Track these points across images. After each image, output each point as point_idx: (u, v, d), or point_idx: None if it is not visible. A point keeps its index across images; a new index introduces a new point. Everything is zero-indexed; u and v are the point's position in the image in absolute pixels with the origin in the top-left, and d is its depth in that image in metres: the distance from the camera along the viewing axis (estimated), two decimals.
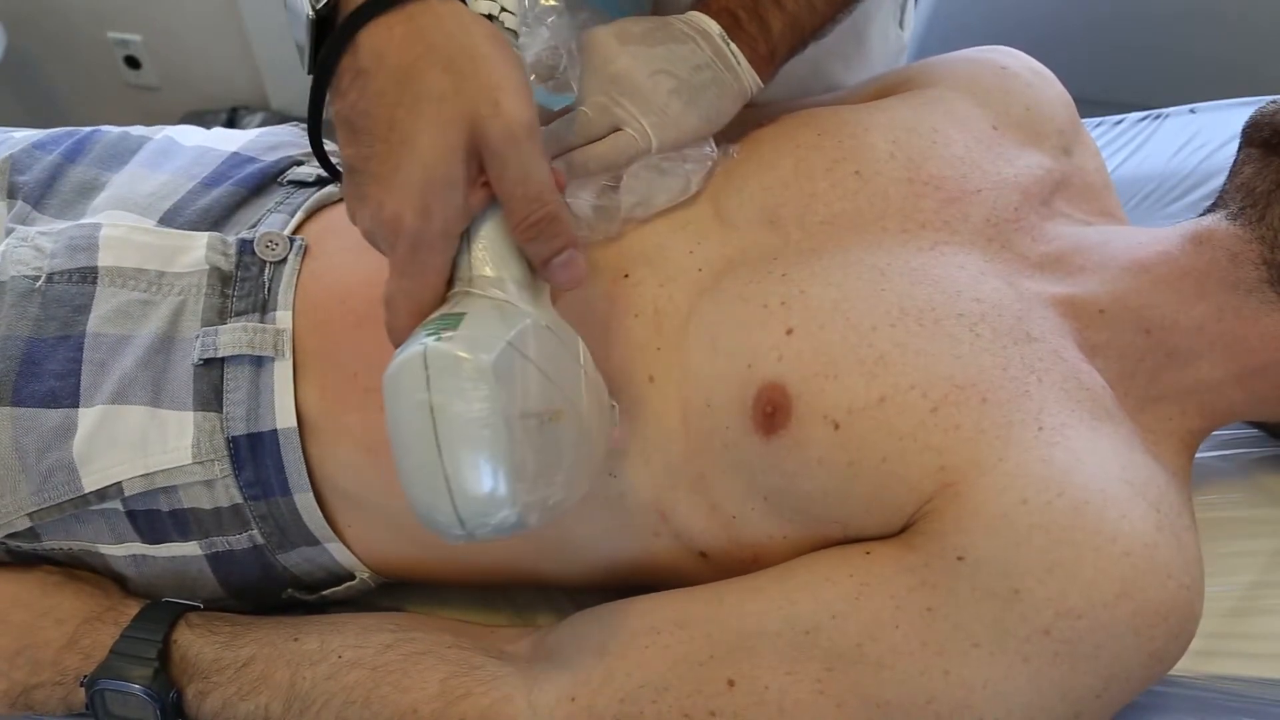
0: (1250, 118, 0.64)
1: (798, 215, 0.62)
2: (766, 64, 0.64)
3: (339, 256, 0.66)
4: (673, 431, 0.59)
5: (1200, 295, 0.60)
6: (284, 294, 0.64)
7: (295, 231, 0.68)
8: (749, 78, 0.63)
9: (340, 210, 0.71)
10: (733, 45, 0.63)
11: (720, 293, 0.60)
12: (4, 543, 0.63)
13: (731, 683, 0.54)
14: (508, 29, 0.55)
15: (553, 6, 0.60)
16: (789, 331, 0.57)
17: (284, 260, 0.65)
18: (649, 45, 0.61)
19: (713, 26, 0.63)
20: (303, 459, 0.62)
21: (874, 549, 0.55)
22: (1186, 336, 0.60)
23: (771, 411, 0.55)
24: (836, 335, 0.56)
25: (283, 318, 0.64)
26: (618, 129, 0.60)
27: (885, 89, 0.73)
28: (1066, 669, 0.50)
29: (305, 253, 0.66)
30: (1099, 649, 0.50)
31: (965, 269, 0.59)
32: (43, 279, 0.63)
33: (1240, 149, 0.65)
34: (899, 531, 0.55)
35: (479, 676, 0.59)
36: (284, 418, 0.62)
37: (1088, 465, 0.52)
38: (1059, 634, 0.50)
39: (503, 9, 0.55)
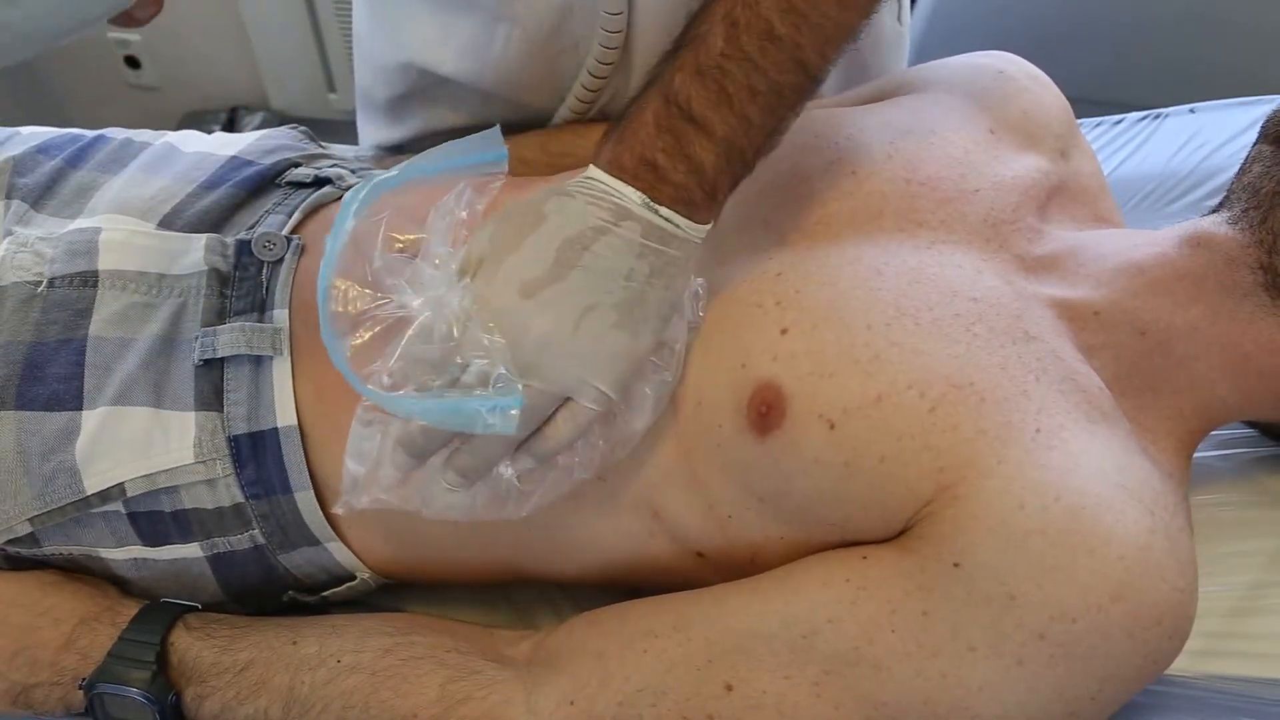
0: (1269, 115, 0.64)
1: (793, 215, 0.62)
2: (707, 208, 0.52)
3: None
4: (664, 429, 0.59)
5: (1195, 298, 0.60)
6: (281, 293, 0.64)
7: (293, 231, 0.68)
8: (693, 234, 0.51)
9: (337, 209, 0.71)
10: (663, 211, 0.50)
11: (714, 292, 0.59)
12: (3, 549, 0.63)
13: (729, 686, 0.55)
14: None
15: (400, 258, 0.51)
16: (783, 331, 0.57)
17: (281, 260, 0.66)
18: (560, 280, 0.49)
19: (631, 197, 0.50)
20: (303, 457, 0.62)
21: (871, 553, 0.55)
22: (1182, 338, 0.60)
23: (766, 411, 0.55)
24: (832, 335, 0.56)
25: (280, 316, 0.64)
26: (566, 398, 0.51)
27: (882, 93, 0.73)
28: (1062, 671, 0.50)
29: (302, 252, 0.66)
30: (1094, 651, 0.50)
31: (962, 268, 0.59)
32: (44, 284, 0.63)
33: (1254, 145, 0.65)
34: (897, 534, 0.55)
35: (478, 681, 0.59)
36: (284, 416, 0.62)
37: (1084, 469, 0.52)
38: (1054, 637, 0.50)
39: None
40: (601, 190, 0.50)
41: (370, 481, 0.54)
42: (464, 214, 0.53)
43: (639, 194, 0.50)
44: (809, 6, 0.50)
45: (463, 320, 0.50)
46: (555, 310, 0.49)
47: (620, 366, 0.51)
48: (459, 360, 0.50)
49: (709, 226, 0.52)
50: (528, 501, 0.54)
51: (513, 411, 0.48)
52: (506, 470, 0.53)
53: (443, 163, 0.54)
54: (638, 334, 0.51)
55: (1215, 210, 0.64)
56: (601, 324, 0.50)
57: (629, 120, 0.52)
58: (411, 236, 0.53)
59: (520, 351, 0.49)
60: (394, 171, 0.53)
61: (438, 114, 0.82)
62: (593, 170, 0.52)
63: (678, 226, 0.51)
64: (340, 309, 0.51)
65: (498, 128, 0.54)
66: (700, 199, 0.51)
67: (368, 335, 0.52)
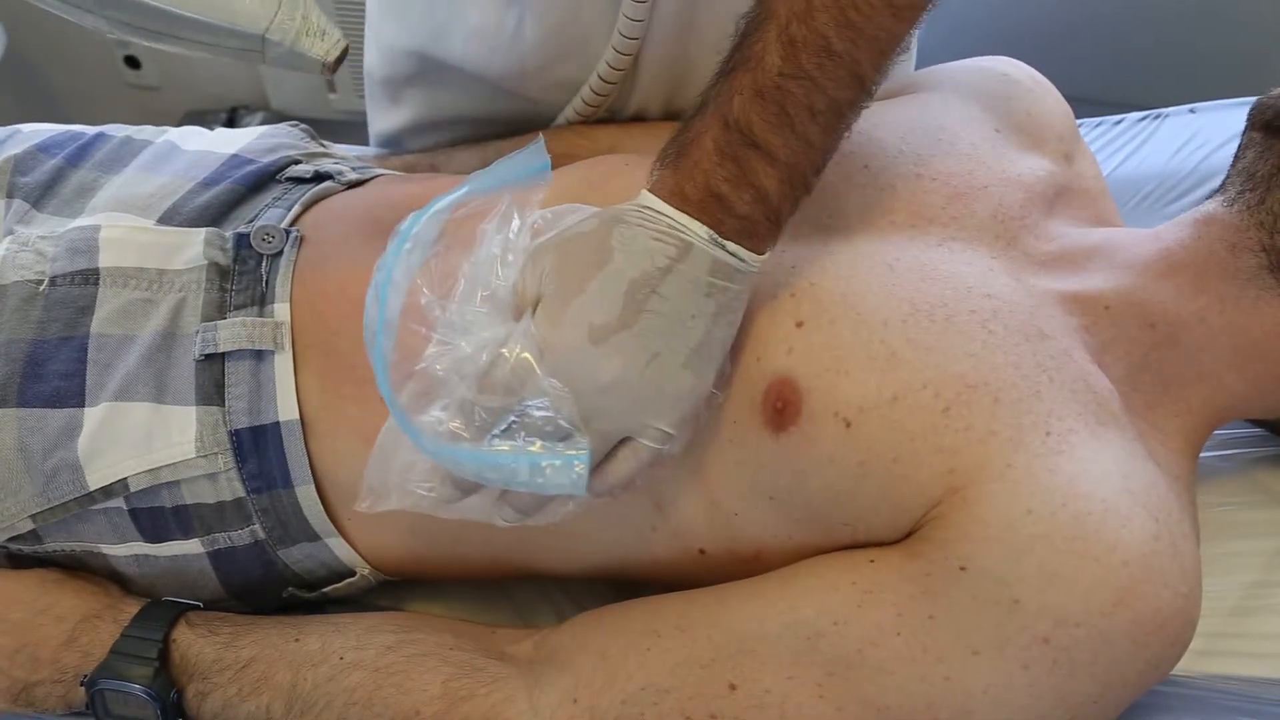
0: (1255, 102, 0.65)
1: (806, 208, 0.62)
2: (770, 236, 0.51)
3: (336, 246, 0.66)
4: None
5: (1201, 287, 0.60)
6: (281, 286, 0.64)
7: (292, 224, 0.68)
8: (755, 266, 0.51)
9: (338, 200, 0.72)
10: (729, 246, 0.49)
11: None
12: (5, 546, 0.63)
13: (733, 686, 0.54)
14: None
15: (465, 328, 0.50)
16: (799, 324, 0.56)
17: (280, 253, 0.66)
18: (629, 326, 0.48)
19: (698, 232, 0.49)
20: (305, 451, 0.62)
21: (878, 556, 0.55)
22: (1190, 329, 0.60)
23: (781, 408, 0.55)
24: (847, 330, 0.55)
25: (280, 310, 0.64)
26: (626, 438, 0.50)
27: (889, 93, 0.73)
28: (1065, 676, 0.50)
29: (301, 243, 0.66)
30: (1096, 657, 0.50)
31: (973, 265, 0.59)
32: (45, 282, 0.63)
33: (1244, 133, 0.65)
34: (904, 535, 0.55)
35: (481, 678, 0.59)
36: (286, 410, 0.62)
37: (1092, 475, 0.52)
38: (1058, 642, 0.50)
39: None
40: (667, 225, 0.49)
41: (401, 490, 0.52)
42: (513, 235, 0.52)
43: (706, 229, 0.49)
44: (865, 20, 0.49)
45: (525, 366, 0.48)
46: (624, 356, 0.48)
47: (684, 407, 0.51)
48: (521, 407, 0.49)
49: (768, 256, 0.51)
50: (558, 513, 0.53)
51: (578, 466, 0.47)
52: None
53: (491, 182, 0.53)
54: (702, 374, 0.51)
55: (1209, 198, 0.65)
56: (670, 367, 0.49)
57: (687, 146, 0.50)
58: (457, 267, 0.51)
59: (585, 397, 0.48)
60: (443, 201, 0.52)
61: (439, 101, 0.82)
62: (651, 200, 0.50)
63: (742, 260, 0.50)
64: (396, 359, 0.50)
65: (540, 138, 0.53)
66: (764, 229, 0.50)
67: (422, 386, 0.50)
